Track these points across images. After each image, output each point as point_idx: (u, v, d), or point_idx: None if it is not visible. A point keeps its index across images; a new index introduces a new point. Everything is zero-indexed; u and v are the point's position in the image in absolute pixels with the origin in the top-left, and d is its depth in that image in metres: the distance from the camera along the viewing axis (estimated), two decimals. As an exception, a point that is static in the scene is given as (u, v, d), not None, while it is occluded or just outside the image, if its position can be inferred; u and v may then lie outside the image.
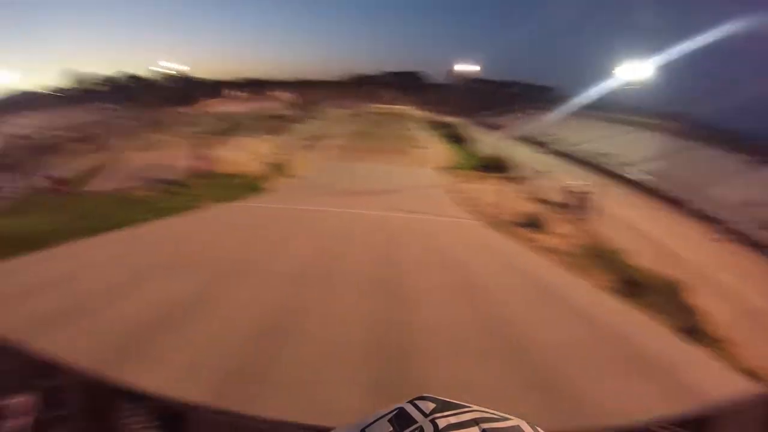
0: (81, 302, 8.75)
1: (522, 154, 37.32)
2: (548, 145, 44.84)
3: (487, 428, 0.76)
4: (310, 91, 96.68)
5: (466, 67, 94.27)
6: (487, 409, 0.81)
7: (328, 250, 13.10)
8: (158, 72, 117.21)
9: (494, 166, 29.87)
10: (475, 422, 0.76)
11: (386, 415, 0.82)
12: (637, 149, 40.63)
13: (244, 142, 33.15)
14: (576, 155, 41.38)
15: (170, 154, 22.64)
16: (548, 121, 56.04)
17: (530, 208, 19.82)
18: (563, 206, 22.81)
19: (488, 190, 23.53)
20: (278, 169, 27.83)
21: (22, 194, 21.72)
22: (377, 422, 0.81)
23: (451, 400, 0.82)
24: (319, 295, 9.42)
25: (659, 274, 15.48)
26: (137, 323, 7.79)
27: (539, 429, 0.82)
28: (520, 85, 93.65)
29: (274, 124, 51.30)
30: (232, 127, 48.52)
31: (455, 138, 44.12)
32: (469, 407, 0.80)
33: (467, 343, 7.40)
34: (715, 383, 7.06)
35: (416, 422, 0.78)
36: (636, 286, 13.25)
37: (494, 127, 43.26)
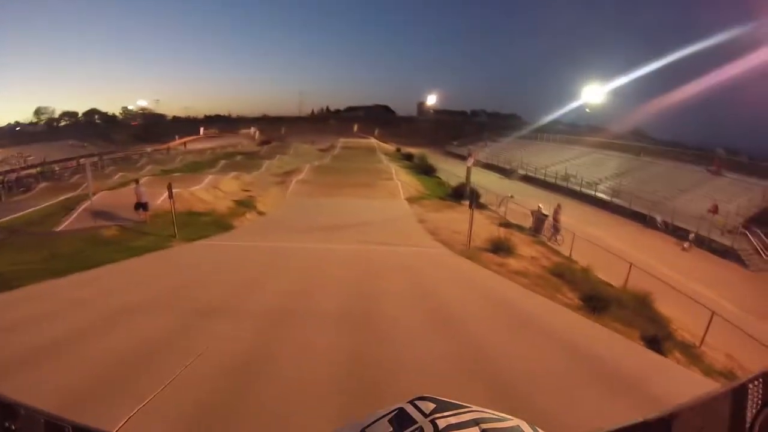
0: (47, 346, 8.21)
1: (489, 181, 37.96)
2: (515, 170, 45.85)
3: (487, 428, 0.76)
4: (280, 127, 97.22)
5: (434, 100, 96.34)
6: (487, 410, 0.81)
7: (300, 286, 12.79)
8: (130, 110, 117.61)
9: (463, 194, 30.15)
10: (475, 422, 0.76)
11: (386, 415, 0.83)
12: (599, 169, 41.81)
13: (214, 180, 32.77)
14: (542, 178, 42.37)
15: (139, 192, 22.27)
16: (514, 147, 57.47)
17: (500, 233, 19.86)
18: (532, 229, 23.22)
19: (458, 218, 23.59)
20: (248, 206, 27.66)
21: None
22: (377, 422, 0.81)
23: (451, 401, 0.83)
24: (289, 333, 9.11)
25: (629, 288, 15.90)
26: (105, 366, 7.41)
27: (539, 430, 0.82)
28: (486, 114, 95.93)
29: (243, 160, 51.42)
30: (201, 165, 48.49)
31: (425, 169, 44.68)
32: (469, 407, 0.81)
33: (438, 374, 7.22)
34: (688, 390, 6.92)
35: (416, 422, 0.78)
36: (606, 302, 13.42)
37: (462, 156, 43.87)
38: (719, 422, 2.82)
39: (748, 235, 24.22)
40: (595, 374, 7.66)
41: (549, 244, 21.96)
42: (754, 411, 2.74)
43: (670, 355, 11.56)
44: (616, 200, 33.15)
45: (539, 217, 23.52)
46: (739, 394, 2.75)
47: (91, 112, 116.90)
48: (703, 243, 24.65)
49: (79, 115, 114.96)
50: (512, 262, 16.71)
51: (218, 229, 22.30)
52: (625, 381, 7.42)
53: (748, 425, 2.70)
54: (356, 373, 7.18)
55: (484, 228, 20.92)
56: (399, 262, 16.02)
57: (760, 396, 2.78)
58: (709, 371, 11.50)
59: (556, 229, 23.15)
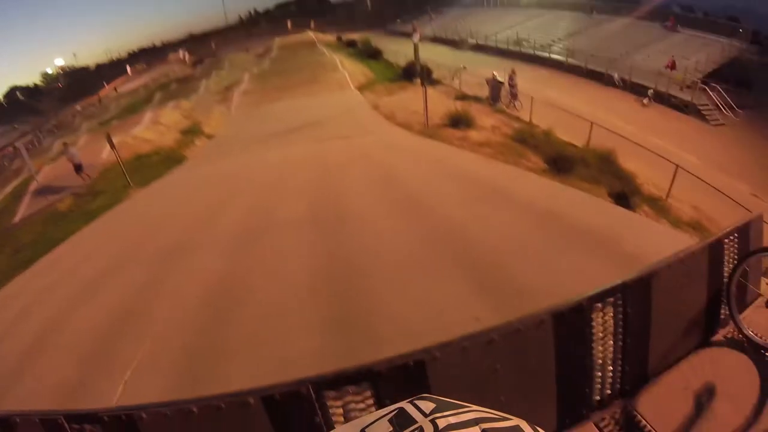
0: (26, 348, 7.94)
1: (440, 55, 36.92)
2: (464, 41, 44.60)
3: (487, 428, 0.76)
4: (208, 43, 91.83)
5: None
6: (487, 409, 0.81)
7: (265, 199, 12.74)
8: (50, 74, 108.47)
9: (414, 73, 29.14)
10: (475, 422, 0.76)
11: (386, 415, 0.82)
12: (551, 30, 40.99)
13: (153, 116, 31.34)
14: (493, 46, 41.43)
15: (70, 155, 21.16)
16: (460, 18, 55.73)
17: (457, 107, 19.52)
18: (489, 98, 22.88)
19: (412, 98, 22.84)
20: (194, 132, 26.66)
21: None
22: (377, 422, 0.81)
23: (452, 400, 0.83)
24: (261, 249, 9.11)
25: (592, 147, 15.86)
26: (86, 345, 7.28)
27: (539, 429, 0.82)
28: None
29: (179, 87, 48.92)
30: (137, 104, 46.11)
31: (369, 53, 43.05)
32: (469, 407, 0.81)
33: (414, 260, 7.29)
34: (659, 244, 7.09)
35: (416, 422, 0.78)
36: (571, 162, 13.44)
37: (407, 34, 42.41)
38: (697, 278, 3.95)
39: (708, 90, 24.16)
40: (567, 236, 7.71)
41: (508, 111, 21.69)
42: (730, 266, 4.07)
43: (639, 210, 11.74)
44: (571, 60, 32.51)
45: (495, 85, 23.01)
46: (715, 249, 3.96)
47: (12, 91, 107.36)
48: (662, 99, 24.48)
49: (0, 98, 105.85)
50: (473, 134, 16.58)
51: (170, 164, 21.73)
52: (598, 240, 7.49)
53: (725, 280, 4.00)
54: (332, 275, 7.27)
55: (441, 104, 20.44)
56: (359, 153, 15.76)
57: (735, 250, 4.14)
58: (677, 223, 11.75)
59: (513, 95, 22.70)
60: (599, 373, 3.78)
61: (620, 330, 3.71)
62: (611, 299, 3.62)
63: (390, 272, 7.02)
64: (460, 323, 4.99)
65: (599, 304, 3.59)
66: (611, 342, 3.72)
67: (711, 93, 23.74)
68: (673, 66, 26.57)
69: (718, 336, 4.22)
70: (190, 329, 6.65)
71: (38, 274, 12.76)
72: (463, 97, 23.35)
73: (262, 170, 16.53)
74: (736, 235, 4.18)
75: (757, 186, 14.88)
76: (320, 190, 12.41)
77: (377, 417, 0.83)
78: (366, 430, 0.80)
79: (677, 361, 4.04)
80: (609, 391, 3.84)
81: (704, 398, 3.68)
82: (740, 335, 4.07)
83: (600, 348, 3.71)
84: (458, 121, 17.72)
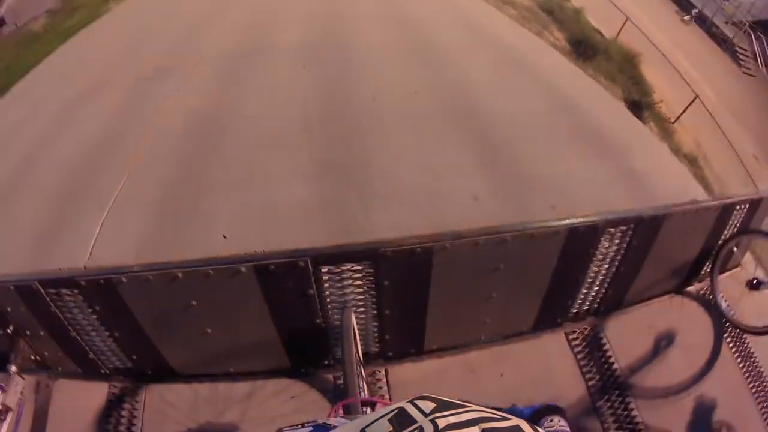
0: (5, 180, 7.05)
1: None
2: None
3: (487, 428, 0.76)
4: None
5: None
6: (487, 409, 0.82)
7: (258, 18, 11.82)
8: None
9: None
10: (475, 422, 0.77)
11: (386, 414, 0.82)
12: None
13: None
14: None
15: None
16: None
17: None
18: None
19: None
20: None
21: None
22: (377, 422, 0.81)
23: (452, 400, 0.84)
24: (254, 75, 8.48)
25: (618, 43, 15.19)
26: (65, 177, 6.62)
27: (539, 429, 0.82)
28: None
29: None
30: None
31: None
32: (469, 407, 0.82)
33: (418, 111, 6.92)
34: (666, 172, 6.88)
35: (416, 422, 0.78)
36: (594, 50, 12.94)
37: None
38: (700, 232, 4.61)
39: (752, 36, 23.23)
40: (580, 131, 7.28)
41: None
42: (730, 232, 4.76)
43: (646, 125, 11.39)
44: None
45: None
46: (726, 212, 4.56)
47: None
48: (703, 23, 23.41)
49: None
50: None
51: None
52: (608, 146, 7.15)
53: (720, 242, 4.68)
54: (328, 116, 6.84)
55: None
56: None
57: (740, 220, 4.76)
58: (676, 151, 11.55)
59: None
60: (584, 290, 4.10)
61: (618, 257, 3.96)
62: (623, 227, 3.79)
63: (391, 123, 6.62)
64: (457, 196, 4.79)
65: (612, 230, 3.76)
66: (606, 266, 4.00)
67: (755, 40, 22.75)
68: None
69: (692, 288, 4.67)
70: (172, 161, 6.19)
71: (10, 103, 11.18)
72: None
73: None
74: (747, 205, 4.43)
75: (762, 149, 14.70)
76: (322, 18, 11.50)
77: (377, 417, 0.82)
78: (366, 430, 0.79)
79: (650, 298, 4.50)
80: (586, 308, 4.23)
81: (663, 341, 4.14)
82: (710, 295, 4.53)
83: (595, 269, 3.98)
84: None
